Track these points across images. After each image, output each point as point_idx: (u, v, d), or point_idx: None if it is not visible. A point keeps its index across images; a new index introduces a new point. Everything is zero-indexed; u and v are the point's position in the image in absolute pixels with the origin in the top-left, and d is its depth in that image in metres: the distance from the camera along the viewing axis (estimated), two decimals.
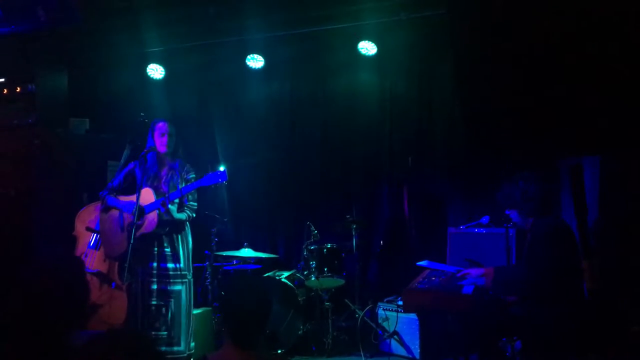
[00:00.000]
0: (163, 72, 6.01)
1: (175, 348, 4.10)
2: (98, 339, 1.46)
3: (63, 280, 1.94)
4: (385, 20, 5.25)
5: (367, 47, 5.47)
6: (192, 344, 4.32)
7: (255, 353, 2.20)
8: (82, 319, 2.01)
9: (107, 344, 1.44)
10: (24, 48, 5.35)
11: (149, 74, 6.00)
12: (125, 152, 4.92)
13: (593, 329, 3.25)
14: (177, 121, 5.95)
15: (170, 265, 4.15)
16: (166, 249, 4.17)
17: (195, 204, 4.27)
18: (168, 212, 4.06)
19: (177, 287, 4.16)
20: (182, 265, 4.20)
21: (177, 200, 4.12)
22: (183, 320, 4.17)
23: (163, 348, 4.02)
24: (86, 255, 4.81)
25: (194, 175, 4.29)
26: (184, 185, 4.17)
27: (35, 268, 1.95)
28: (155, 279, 4.11)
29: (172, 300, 4.13)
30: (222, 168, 3.96)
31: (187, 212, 4.21)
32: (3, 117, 5.36)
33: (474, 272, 3.44)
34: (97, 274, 4.74)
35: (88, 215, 4.92)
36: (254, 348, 2.20)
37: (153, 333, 4.04)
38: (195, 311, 4.80)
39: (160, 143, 4.23)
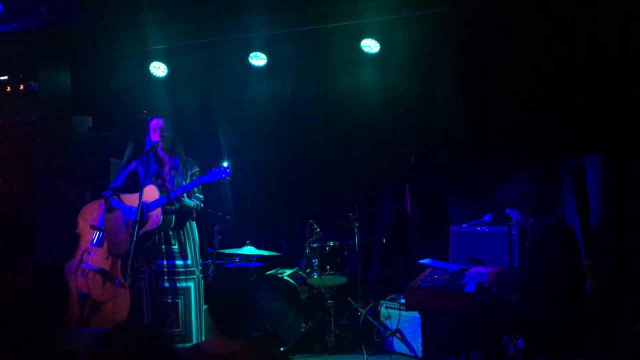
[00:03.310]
0: (166, 70, 6.00)
1: (189, 344, 4.13)
2: (113, 332, 1.47)
3: (42, 285, 1.95)
4: (388, 18, 5.25)
5: (370, 45, 5.45)
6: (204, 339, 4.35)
7: (242, 341, 2.26)
8: (62, 322, 2.02)
9: (122, 337, 1.45)
10: (26, 46, 5.35)
11: (151, 71, 5.99)
12: (128, 150, 4.95)
13: (595, 328, 3.26)
14: (179, 119, 6.02)
15: (178, 262, 4.19)
16: (173, 247, 4.20)
17: (202, 196, 4.32)
18: (178, 200, 4.09)
19: (187, 284, 4.20)
20: (190, 262, 4.24)
21: (184, 194, 4.15)
22: (194, 317, 4.20)
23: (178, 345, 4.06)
24: (89, 253, 4.82)
25: (198, 169, 4.33)
26: (189, 181, 4.19)
27: (14, 273, 1.95)
28: (164, 277, 4.14)
29: (183, 297, 4.16)
30: (225, 164, 3.96)
31: (196, 201, 4.24)
32: (6, 114, 5.36)
33: (482, 270, 3.44)
34: (100, 271, 4.75)
35: (91, 212, 4.93)
36: (240, 336, 2.28)
37: (166, 330, 4.07)
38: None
39: (156, 139, 4.25)
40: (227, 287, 2.35)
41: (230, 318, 2.28)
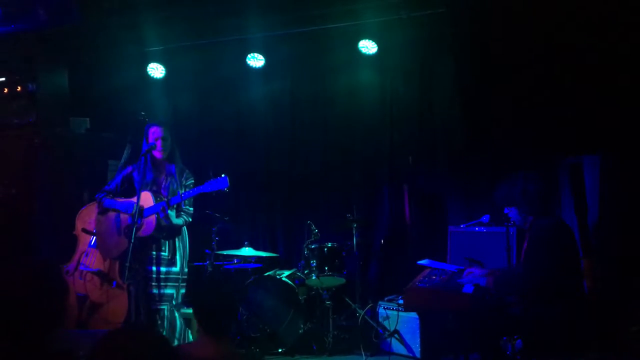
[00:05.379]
0: (163, 71, 6.00)
1: None
2: (114, 335, 1.47)
3: (40, 284, 1.94)
4: (386, 19, 5.25)
5: (368, 46, 5.45)
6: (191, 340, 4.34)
7: (226, 344, 2.31)
8: (60, 322, 2.01)
9: (123, 340, 1.45)
10: (24, 47, 5.35)
11: (149, 72, 5.99)
12: (126, 152, 4.93)
13: (593, 328, 3.26)
14: (177, 120, 6.02)
15: (163, 269, 4.15)
16: (163, 253, 4.17)
17: (191, 209, 4.26)
18: (167, 217, 4.06)
19: (170, 291, 4.17)
20: (177, 269, 4.21)
21: (174, 206, 4.11)
22: (178, 324, 4.20)
23: None
24: (87, 254, 4.82)
25: (192, 181, 4.28)
26: (183, 191, 4.15)
27: (11, 272, 1.95)
28: (153, 283, 4.12)
29: (169, 304, 4.14)
30: (223, 175, 3.93)
31: (184, 216, 4.20)
32: (3, 116, 5.36)
33: (477, 272, 3.45)
34: (98, 273, 4.75)
35: (88, 214, 4.92)
36: (224, 337, 2.33)
37: None
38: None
39: (155, 148, 4.20)
40: (211, 288, 2.39)
41: (216, 318, 2.30)
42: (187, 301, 5.02)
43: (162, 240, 4.19)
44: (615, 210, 4.41)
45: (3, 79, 5.36)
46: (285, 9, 5.29)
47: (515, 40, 4.82)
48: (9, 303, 1.84)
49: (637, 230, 4.22)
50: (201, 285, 2.48)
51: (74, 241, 4.91)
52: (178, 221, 4.16)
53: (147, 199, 4.05)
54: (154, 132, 4.20)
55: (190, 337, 4.34)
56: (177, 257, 4.23)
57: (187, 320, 4.49)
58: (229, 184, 3.91)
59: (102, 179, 5.17)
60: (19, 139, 5.27)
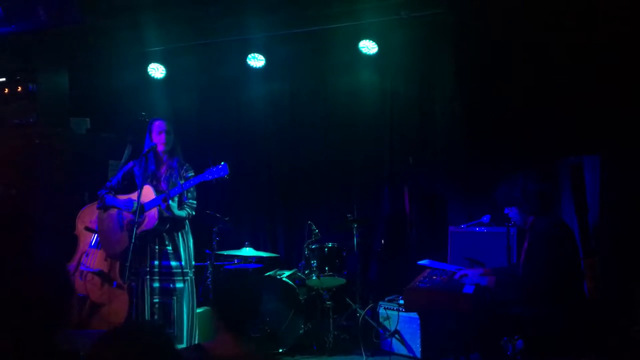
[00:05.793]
0: (164, 72, 6.01)
1: (178, 346, 4.11)
2: (116, 332, 1.47)
3: (46, 284, 1.94)
4: (386, 19, 5.25)
5: (368, 46, 5.46)
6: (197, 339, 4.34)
7: (245, 343, 2.32)
8: (65, 321, 2.01)
9: (125, 337, 1.45)
10: (24, 47, 5.35)
11: (149, 73, 5.99)
12: (126, 151, 4.93)
13: (593, 329, 3.26)
14: (177, 120, 5.99)
15: (172, 263, 4.17)
16: (168, 247, 4.19)
17: (195, 202, 4.28)
18: (169, 208, 4.07)
19: (179, 285, 4.18)
20: (183, 263, 4.23)
21: (176, 198, 4.13)
22: (185, 318, 4.19)
23: None
24: (87, 255, 4.82)
25: (192, 174, 4.30)
26: (183, 182, 4.17)
27: (16, 271, 1.95)
28: (157, 277, 4.12)
29: (175, 298, 4.15)
30: (222, 163, 3.95)
31: (187, 209, 4.22)
32: (4, 116, 5.36)
33: (473, 272, 3.45)
34: (99, 273, 4.75)
35: (89, 214, 4.93)
36: (244, 335, 2.34)
37: None
38: (197, 310, 4.82)
39: (158, 141, 4.25)
40: (235, 286, 2.39)
41: (237, 315, 2.31)
42: (202, 301, 5.05)
43: (165, 235, 4.20)
44: (615, 210, 4.41)
45: (3, 79, 5.37)
46: (285, 9, 5.29)
47: (515, 40, 4.82)
48: (14, 303, 1.84)
49: (637, 230, 4.22)
50: (223, 283, 2.48)
51: (74, 241, 4.91)
52: (181, 213, 4.17)
53: (148, 193, 4.07)
54: (159, 125, 4.27)
55: (197, 336, 4.33)
56: (181, 250, 4.24)
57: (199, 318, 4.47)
58: (228, 170, 3.92)
59: (102, 179, 5.16)
60: (20, 139, 5.27)
